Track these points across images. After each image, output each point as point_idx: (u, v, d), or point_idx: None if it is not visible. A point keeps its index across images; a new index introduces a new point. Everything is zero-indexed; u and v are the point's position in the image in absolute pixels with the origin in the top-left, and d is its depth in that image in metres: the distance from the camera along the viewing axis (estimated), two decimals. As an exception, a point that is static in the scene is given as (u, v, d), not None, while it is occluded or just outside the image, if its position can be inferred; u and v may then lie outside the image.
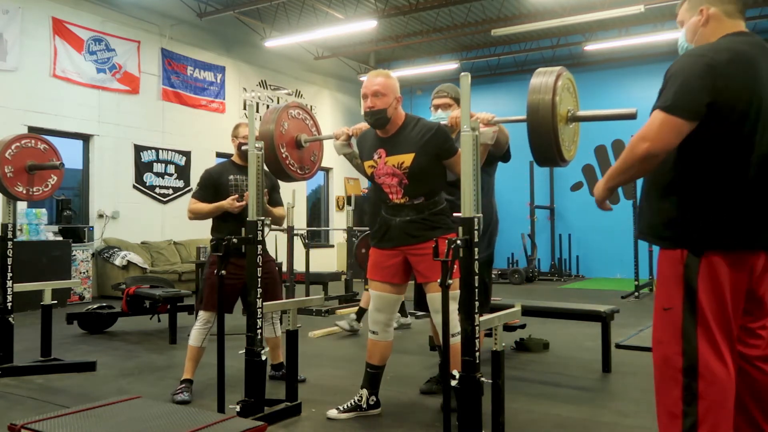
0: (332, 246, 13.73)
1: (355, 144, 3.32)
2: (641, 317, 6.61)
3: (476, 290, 2.33)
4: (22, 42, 8.25)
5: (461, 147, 2.40)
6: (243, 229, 3.11)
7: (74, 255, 8.17)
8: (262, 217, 3.13)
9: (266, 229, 3.16)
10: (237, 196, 3.71)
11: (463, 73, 2.42)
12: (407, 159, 2.99)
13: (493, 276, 5.14)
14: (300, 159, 3.33)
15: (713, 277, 1.85)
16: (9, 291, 4.14)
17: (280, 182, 3.80)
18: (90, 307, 5.87)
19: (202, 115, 10.89)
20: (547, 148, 2.20)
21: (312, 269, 7.63)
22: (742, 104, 1.82)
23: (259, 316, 3.11)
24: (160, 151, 10.12)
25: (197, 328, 3.67)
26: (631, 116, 2.16)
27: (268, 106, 12.16)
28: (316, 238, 13.67)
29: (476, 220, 2.35)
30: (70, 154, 8.76)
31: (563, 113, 2.21)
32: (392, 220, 3.12)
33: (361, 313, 5.80)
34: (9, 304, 4.13)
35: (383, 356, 3.22)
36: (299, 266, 7.87)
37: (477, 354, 2.35)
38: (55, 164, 4.24)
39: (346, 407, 3.21)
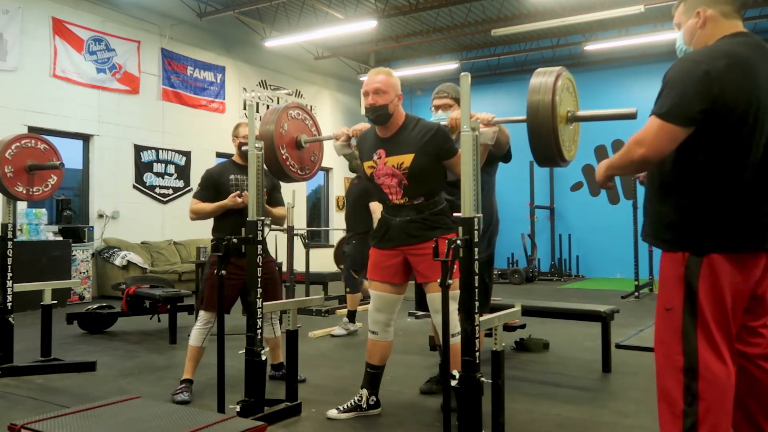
0: (332, 246, 13.68)
1: (355, 144, 3.32)
2: (641, 317, 6.61)
3: (476, 290, 2.33)
4: (22, 42, 8.25)
5: (461, 147, 2.40)
6: (243, 229, 3.12)
7: (74, 255, 8.17)
8: (262, 217, 3.13)
9: (266, 229, 3.16)
10: (238, 192, 3.71)
11: (463, 73, 2.42)
12: (407, 159, 2.99)
13: (493, 276, 5.13)
14: (300, 159, 3.33)
15: (714, 279, 1.86)
16: (9, 291, 4.14)
17: (280, 182, 3.81)
18: (90, 307, 5.87)
19: (202, 115, 10.89)
20: (547, 149, 2.20)
21: (312, 269, 7.64)
22: (741, 108, 1.83)
23: (259, 316, 3.11)
24: (160, 151, 10.12)
25: (197, 328, 3.67)
26: (631, 116, 2.16)
27: (268, 106, 12.16)
28: (316, 238, 13.67)
29: (476, 220, 2.35)
30: (70, 154, 8.76)
31: (563, 113, 2.21)
32: (392, 220, 3.12)
33: (351, 314, 5.81)
34: (9, 304, 4.13)
35: (383, 356, 3.22)
36: (299, 266, 7.86)
37: (477, 354, 2.35)
38: (55, 164, 4.24)
39: (346, 407, 3.21)
